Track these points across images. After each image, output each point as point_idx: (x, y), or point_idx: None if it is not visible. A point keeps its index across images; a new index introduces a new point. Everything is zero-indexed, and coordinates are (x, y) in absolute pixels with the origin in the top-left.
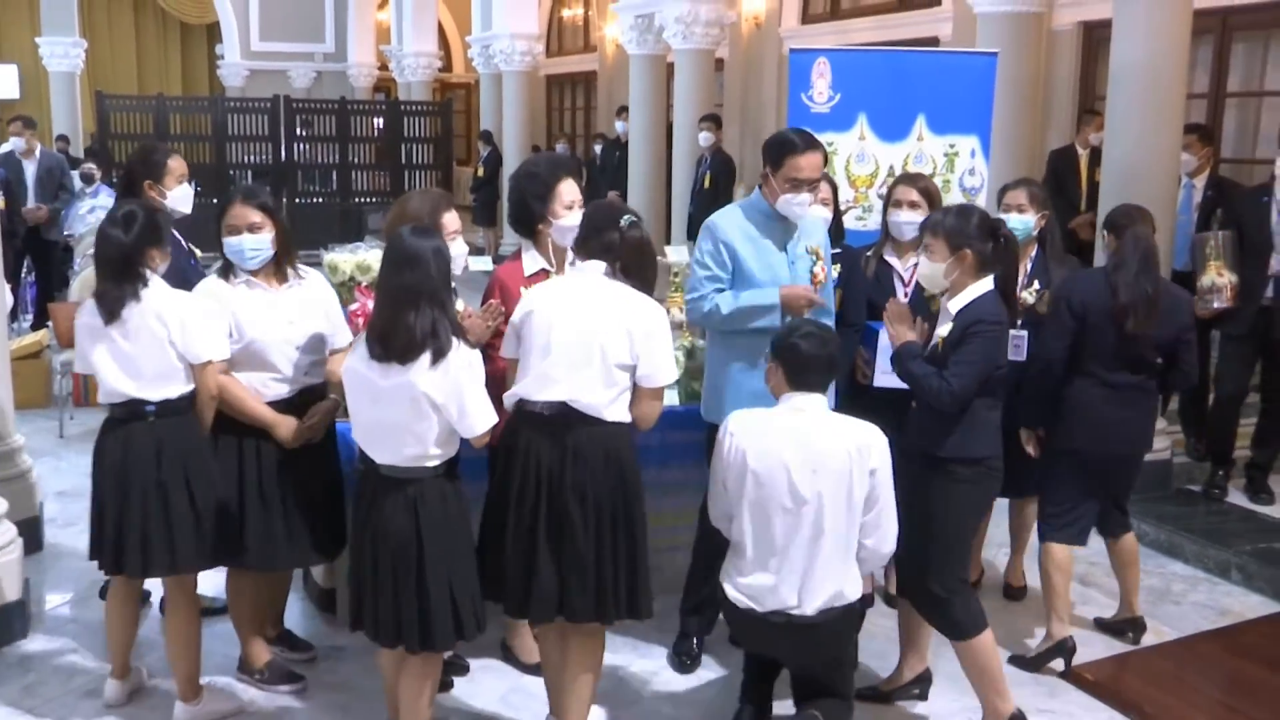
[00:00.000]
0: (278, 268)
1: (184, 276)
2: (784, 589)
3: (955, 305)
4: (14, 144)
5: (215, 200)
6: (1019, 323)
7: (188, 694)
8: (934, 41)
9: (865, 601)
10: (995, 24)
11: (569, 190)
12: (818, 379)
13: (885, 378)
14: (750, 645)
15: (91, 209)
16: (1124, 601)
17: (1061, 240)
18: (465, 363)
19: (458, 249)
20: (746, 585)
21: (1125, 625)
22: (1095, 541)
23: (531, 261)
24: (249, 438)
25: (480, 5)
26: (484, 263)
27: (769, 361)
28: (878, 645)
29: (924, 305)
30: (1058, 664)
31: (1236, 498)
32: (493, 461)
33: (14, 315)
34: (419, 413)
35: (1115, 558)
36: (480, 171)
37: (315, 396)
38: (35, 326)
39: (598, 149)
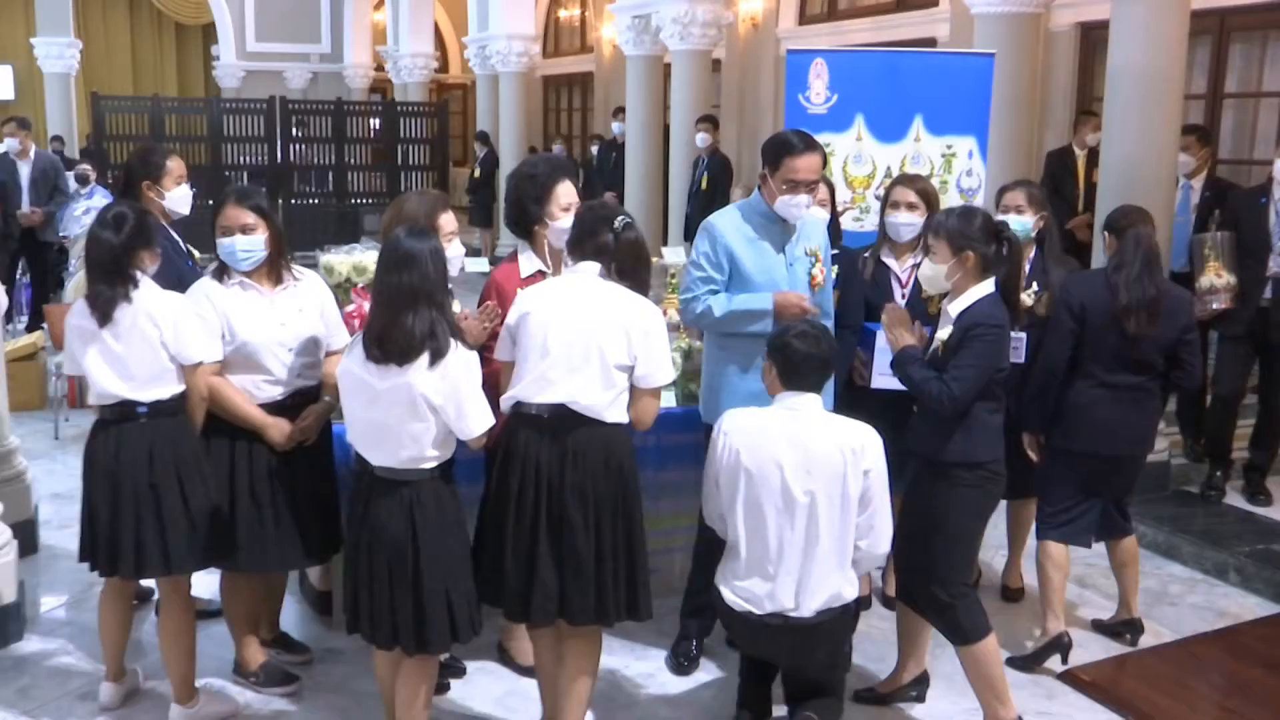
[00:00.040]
0: (272, 269)
1: (181, 277)
2: (781, 591)
3: (956, 308)
4: (8, 145)
5: (211, 202)
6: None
7: (183, 696)
8: (931, 42)
9: (862, 603)
10: (992, 25)
11: (566, 192)
12: (812, 378)
13: (883, 379)
14: (747, 647)
15: (87, 210)
16: (1122, 603)
17: (1060, 241)
18: (463, 364)
19: (454, 250)
20: (743, 588)
21: (1123, 627)
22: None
23: (528, 263)
24: (241, 439)
25: (477, 6)
26: (481, 264)
27: (765, 361)
28: (875, 647)
29: (921, 306)
30: (1055, 662)
31: (1234, 499)
32: (490, 464)
33: (9, 317)
34: (416, 414)
35: (1114, 558)
36: (476, 173)
37: (309, 398)
38: (30, 328)
39: (594, 150)
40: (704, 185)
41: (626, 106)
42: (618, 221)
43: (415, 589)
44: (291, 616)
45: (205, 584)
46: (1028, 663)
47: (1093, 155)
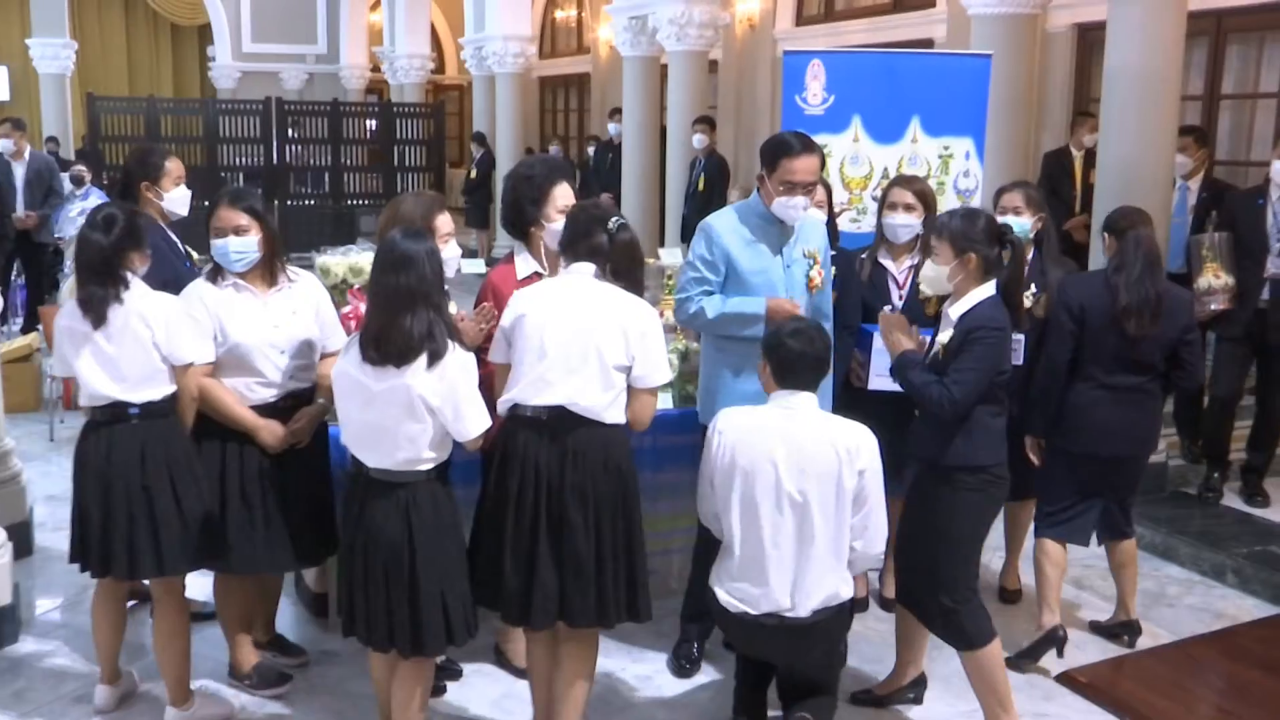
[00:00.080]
0: (266, 271)
1: (179, 278)
2: (776, 591)
3: (957, 311)
4: (3, 146)
5: (206, 203)
6: None
7: (178, 698)
8: (928, 43)
9: (859, 604)
10: (990, 26)
11: (563, 194)
12: (806, 377)
13: (880, 380)
14: (743, 647)
15: (82, 211)
16: (1120, 604)
17: (1058, 242)
18: (461, 365)
19: (451, 252)
20: (738, 588)
21: (1120, 628)
22: (1090, 546)
23: (524, 265)
24: (232, 441)
25: (473, 7)
26: (477, 265)
27: (760, 360)
28: (872, 649)
29: (919, 308)
30: (1052, 661)
31: (1232, 500)
32: (487, 466)
33: (4, 318)
34: (414, 416)
35: (1112, 559)
36: (473, 174)
37: (303, 400)
38: (25, 330)
39: (591, 151)
40: (701, 186)
41: (623, 107)
42: (612, 222)
43: (411, 591)
44: (287, 619)
45: (200, 586)
46: (1023, 658)
47: (1090, 156)
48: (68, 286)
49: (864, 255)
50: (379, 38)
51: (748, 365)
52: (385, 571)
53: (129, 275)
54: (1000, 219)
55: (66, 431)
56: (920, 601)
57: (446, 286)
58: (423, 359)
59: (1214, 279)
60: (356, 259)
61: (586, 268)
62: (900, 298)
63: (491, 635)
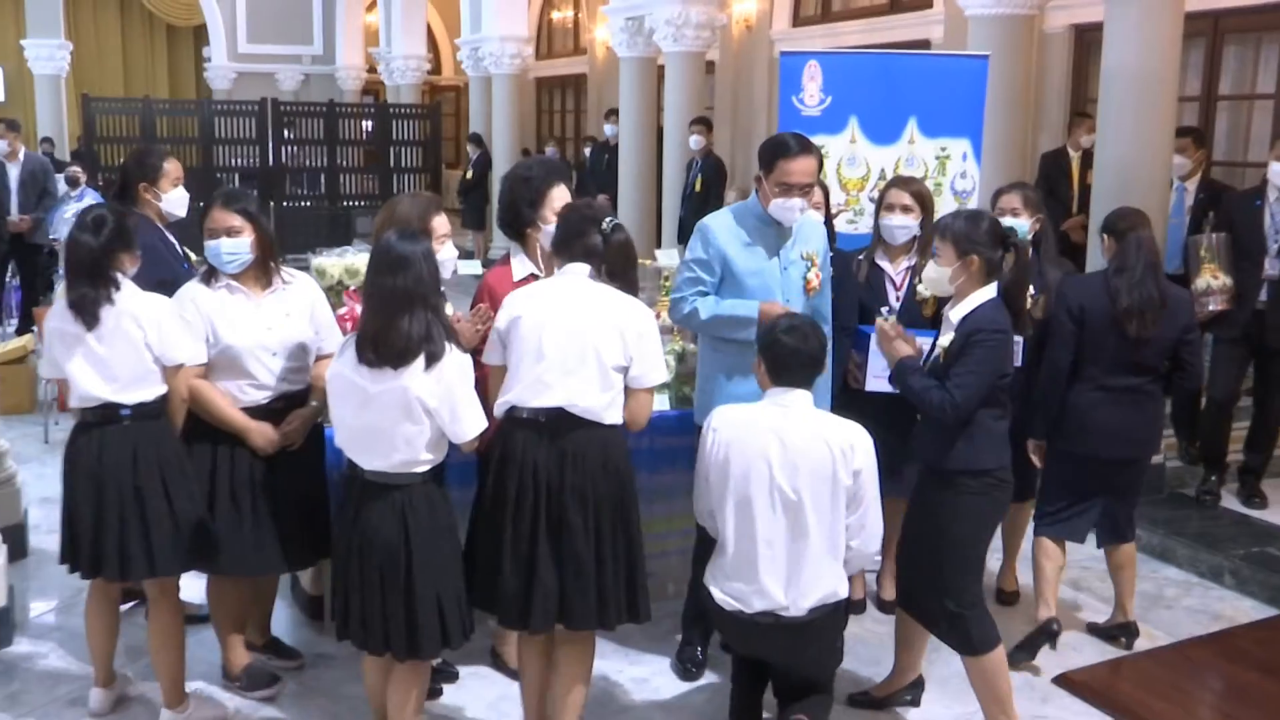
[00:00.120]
0: (261, 273)
1: (176, 280)
2: (769, 589)
3: (957, 314)
4: None
5: (201, 204)
6: None
7: (173, 700)
8: (925, 44)
9: (857, 607)
10: (986, 27)
11: (561, 196)
12: (801, 374)
13: (877, 382)
14: (739, 646)
15: (77, 213)
16: (1117, 605)
17: (1056, 243)
18: (458, 367)
19: (447, 253)
20: (732, 586)
21: (1118, 630)
22: (1088, 547)
23: (520, 266)
24: (223, 443)
25: (469, 7)
26: (473, 267)
27: (756, 357)
28: (870, 651)
29: (915, 309)
30: (1049, 664)
31: (1229, 502)
32: (483, 469)
33: None
34: (411, 417)
35: (1111, 560)
36: (469, 174)
37: (296, 402)
38: (20, 331)
39: (587, 152)
40: (697, 188)
41: (620, 108)
42: (606, 223)
43: (407, 594)
44: (283, 621)
45: (195, 589)
46: (1019, 651)
47: (1087, 157)
48: (62, 287)
49: (861, 257)
50: (375, 38)
51: (744, 367)
52: (381, 574)
53: (119, 276)
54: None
55: (61, 434)
56: (923, 605)
57: (443, 288)
58: (420, 360)
59: (1212, 280)
60: (353, 260)
61: (581, 268)
62: (897, 299)
63: (487, 638)
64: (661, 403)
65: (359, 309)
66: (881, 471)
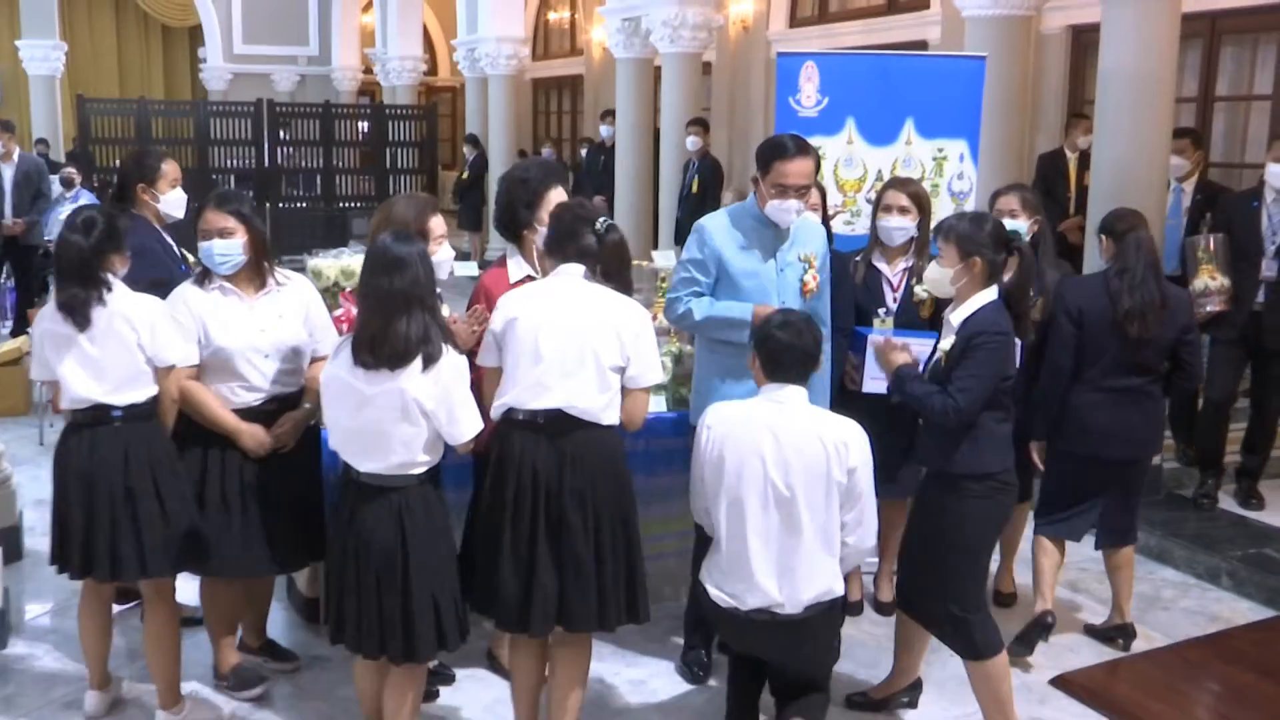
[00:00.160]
0: (254, 274)
1: (173, 281)
2: (765, 586)
3: (958, 317)
4: None
5: (196, 205)
6: None
7: (168, 702)
8: (922, 45)
9: (854, 608)
10: (983, 28)
11: (558, 198)
12: (795, 370)
13: (874, 383)
14: (735, 644)
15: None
16: (1115, 607)
17: (1054, 244)
18: (454, 368)
19: (443, 254)
20: (727, 584)
21: (1115, 632)
22: (1086, 549)
23: (517, 268)
24: (214, 445)
25: (466, 8)
26: (469, 268)
27: (751, 353)
28: (867, 653)
29: (913, 310)
30: (1048, 665)
31: (1227, 503)
32: (480, 471)
33: None
34: (408, 419)
35: (1109, 561)
36: (465, 176)
37: (289, 404)
38: (15, 333)
39: (584, 153)
40: (694, 189)
41: (616, 109)
42: (600, 223)
43: (404, 597)
44: (279, 624)
45: (190, 591)
46: (1015, 646)
47: (1084, 158)
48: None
49: (858, 258)
50: (371, 39)
51: (740, 369)
52: (378, 577)
53: (110, 277)
54: None
55: (56, 436)
56: (926, 609)
57: (439, 289)
58: (417, 362)
59: (1210, 281)
60: (348, 262)
61: (576, 269)
62: (894, 300)
63: (484, 640)
64: (658, 404)
65: (355, 310)
66: (878, 473)
